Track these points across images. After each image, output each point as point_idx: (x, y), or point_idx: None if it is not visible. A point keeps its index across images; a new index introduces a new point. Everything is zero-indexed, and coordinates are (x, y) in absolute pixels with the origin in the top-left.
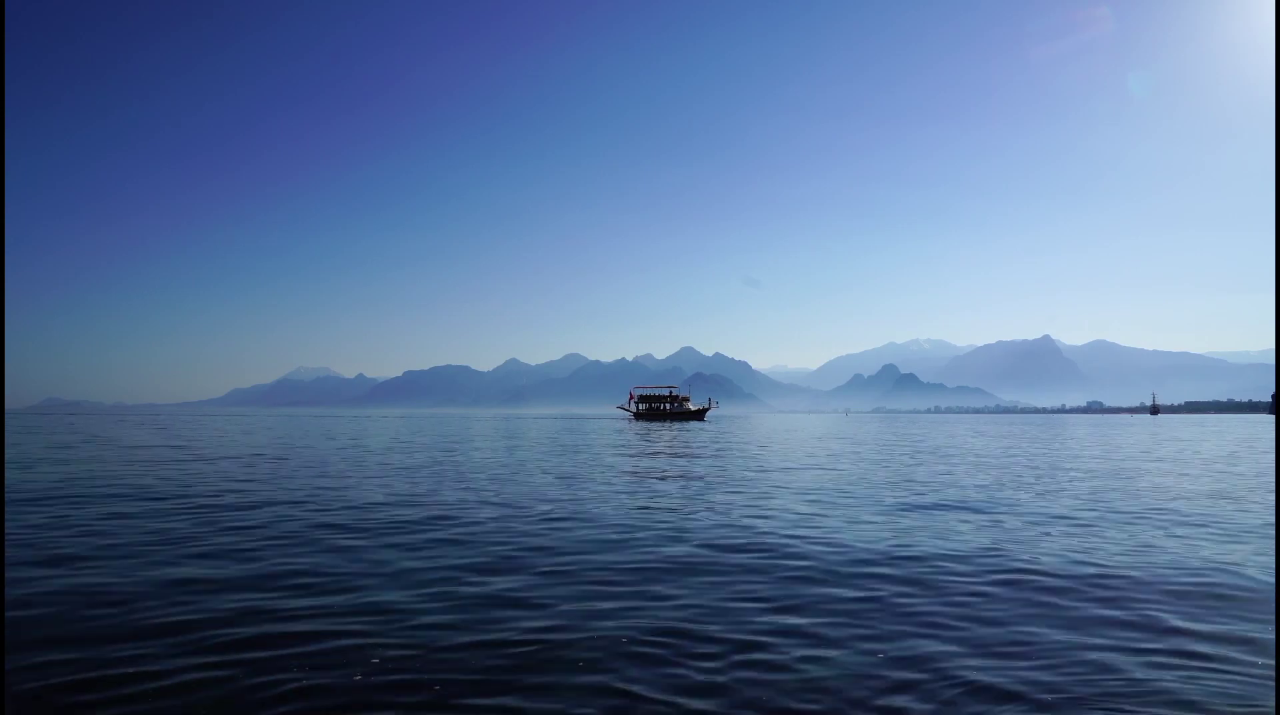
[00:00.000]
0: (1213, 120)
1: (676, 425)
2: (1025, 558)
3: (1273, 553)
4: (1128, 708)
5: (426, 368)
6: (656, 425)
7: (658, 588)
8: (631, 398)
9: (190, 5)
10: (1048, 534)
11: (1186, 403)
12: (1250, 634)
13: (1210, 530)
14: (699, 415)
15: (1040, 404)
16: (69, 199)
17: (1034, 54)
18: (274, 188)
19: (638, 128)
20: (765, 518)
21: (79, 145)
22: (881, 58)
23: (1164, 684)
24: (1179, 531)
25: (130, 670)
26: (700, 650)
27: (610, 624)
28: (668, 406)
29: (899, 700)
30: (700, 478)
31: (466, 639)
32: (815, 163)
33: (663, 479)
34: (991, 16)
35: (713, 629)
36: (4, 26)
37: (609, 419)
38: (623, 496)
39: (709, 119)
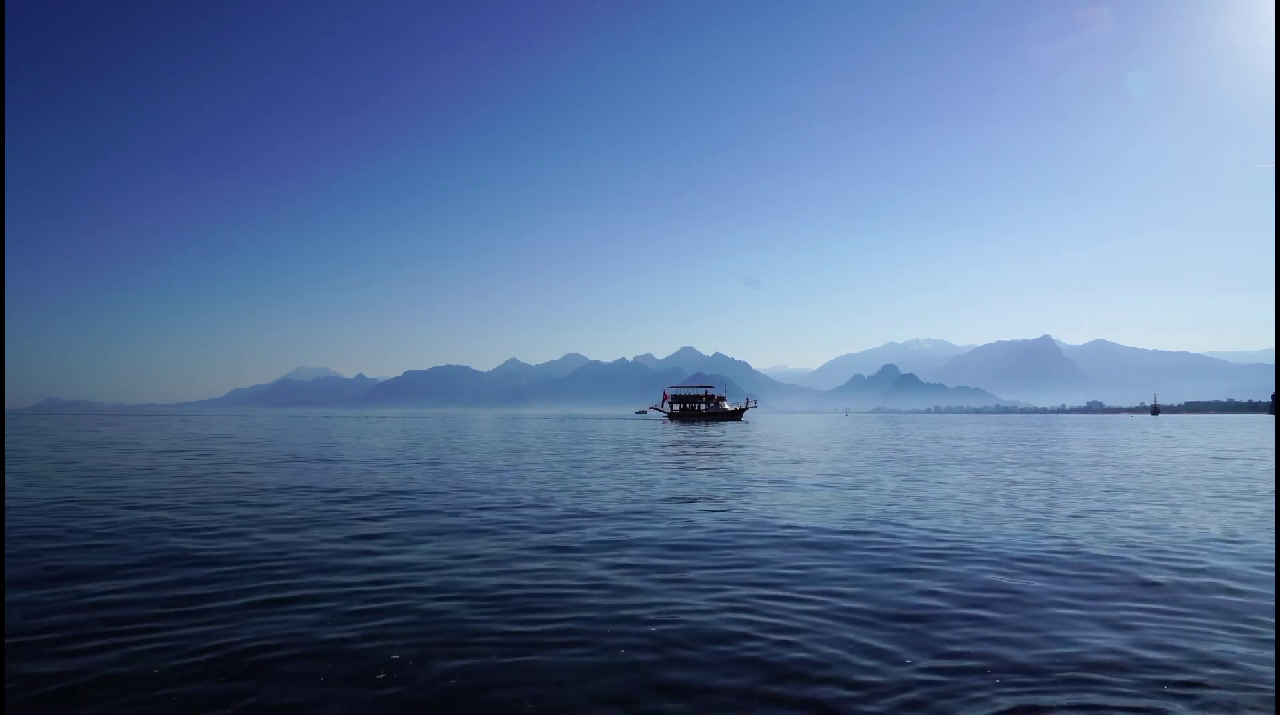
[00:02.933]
0: (1213, 120)
1: (714, 425)
2: None
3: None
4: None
5: (426, 368)
6: (697, 426)
7: None
8: (665, 398)
9: (190, 5)
10: None
11: (1186, 403)
12: None
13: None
14: (736, 415)
15: (1040, 404)
16: (69, 199)
17: (1034, 54)
18: (274, 188)
19: (638, 128)
20: None
21: (79, 145)
22: (881, 58)
23: None
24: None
25: None
26: None
27: None
28: (703, 406)
29: None
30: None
31: None
32: (815, 163)
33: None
34: (991, 16)
35: None
36: (4, 26)
37: (615, 418)
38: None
39: (709, 119)
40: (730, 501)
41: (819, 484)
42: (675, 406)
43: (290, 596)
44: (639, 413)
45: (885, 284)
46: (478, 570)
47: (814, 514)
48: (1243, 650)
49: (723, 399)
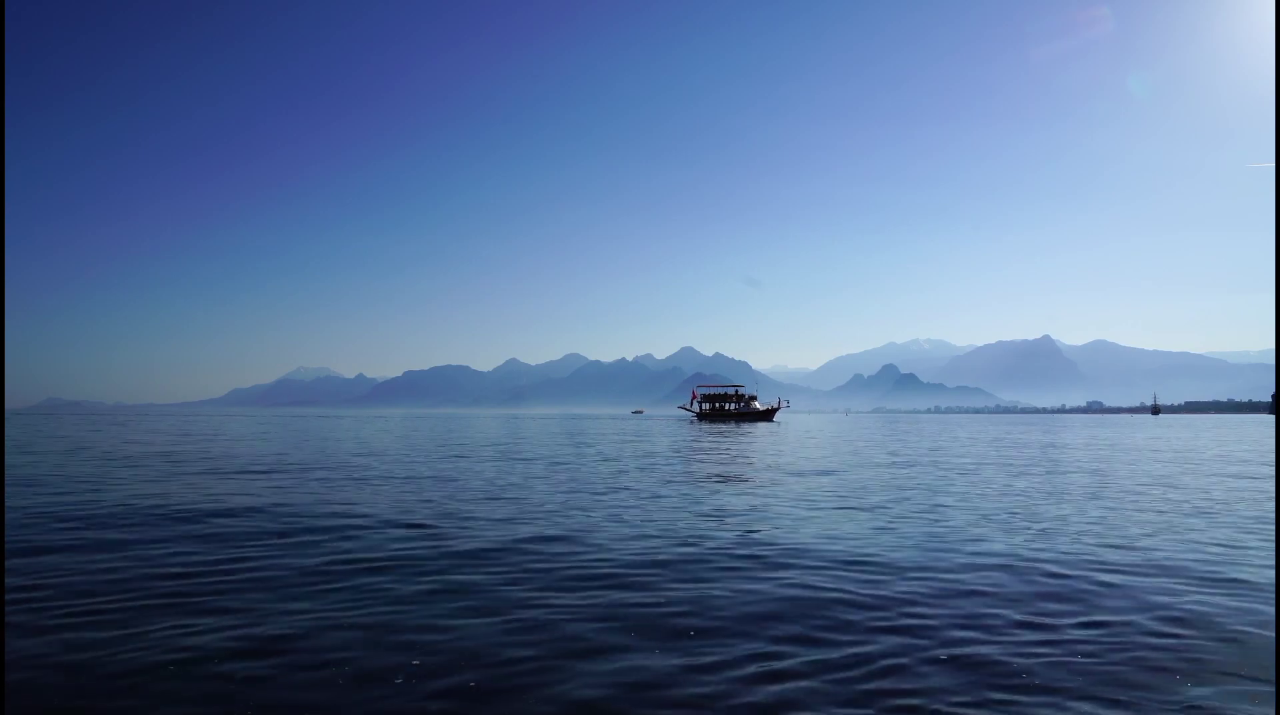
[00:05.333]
0: (1213, 120)
1: (745, 426)
2: None
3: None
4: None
5: (426, 368)
6: (728, 426)
7: None
8: (694, 397)
9: (190, 5)
10: None
11: (1186, 403)
12: None
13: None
14: (768, 415)
15: (1040, 404)
16: (69, 199)
17: (1034, 54)
18: (274, 188)
19: (637, 128)
20: None
21: (79, 145)
22: (881, 58)
23: None
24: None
25: None
26: None
27: None
28: (733, 406)
29: None
30: None
31: None
32: (815, 163)
33: None
34: (991, 17)
35: None
36: (4, 26)
37: (616, 418)
38: None
39: (709, 119)
40: None
41: None
42: (705, 406)
43: None
44: (635, 413)
45: (885, 284)
46: None
47: None
48: None
49: (753, 398)
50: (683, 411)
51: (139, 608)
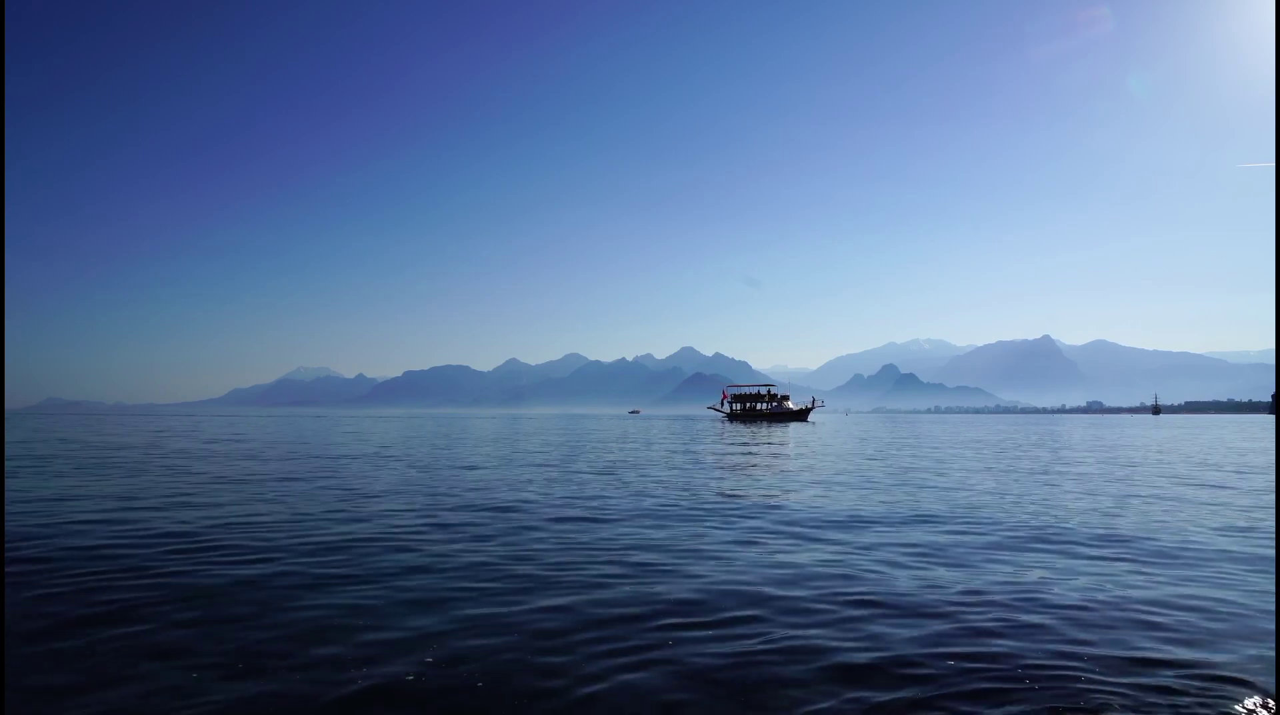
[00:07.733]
0: (1213, 120)
1: (778, 426)
2: None
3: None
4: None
5: (426, 368)
6: (760, 427)
7: None
8: (725, 397)
9: (190, 6)
10: None
11: (1186, 403)
12: None
13: None
14: (801, 415)
15: (1040, 404)
16: (69, 199)
17: (1034, 54)
18: (274, 188)
19: (637, 128)
20: None
21: (79, 145)
22: (881, 58)
23: None
24: None
25: None
26: None
27: None
28: (765, 406)
29: None
30: None
31: None
32: (815, 163)
33: None
34: (991, 17)
35: None
36: (4, 26)
37: (616, 418)
38: None
39: (708, 119)
40: None
41: None
42: (736, 406)
43: None
44: (632, 412)
45: (885, 284)
46: None
47: None
48: None
49: (785, 398)
50: (713, 411)
51: None
